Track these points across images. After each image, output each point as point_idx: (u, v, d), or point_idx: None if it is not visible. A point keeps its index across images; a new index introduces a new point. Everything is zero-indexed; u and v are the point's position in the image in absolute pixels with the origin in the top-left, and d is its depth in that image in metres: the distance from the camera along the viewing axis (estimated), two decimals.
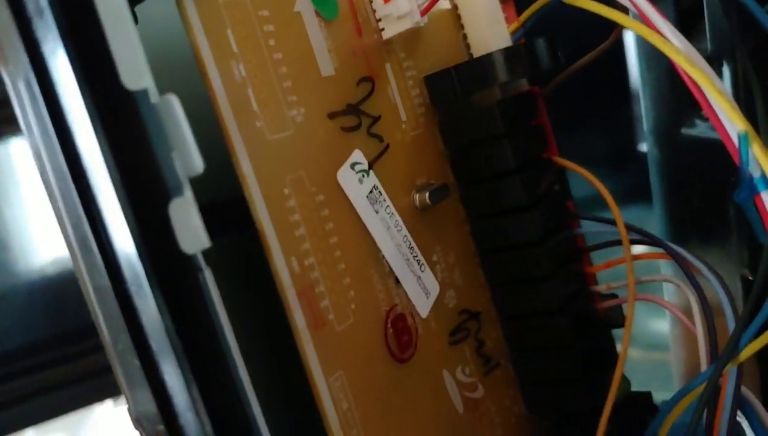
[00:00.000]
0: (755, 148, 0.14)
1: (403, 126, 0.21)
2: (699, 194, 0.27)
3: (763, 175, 0.15)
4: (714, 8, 0.22)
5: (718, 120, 0.15)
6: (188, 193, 0.13)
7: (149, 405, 0.13)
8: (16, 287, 0.37)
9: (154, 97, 0.13)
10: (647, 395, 0.24)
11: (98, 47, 0.13)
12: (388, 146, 0.20)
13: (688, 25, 0.26)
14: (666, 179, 0.29)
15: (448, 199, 0.22)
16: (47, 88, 0.13)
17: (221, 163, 0.16)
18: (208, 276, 0.13)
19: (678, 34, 0.16)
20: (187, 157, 0.13)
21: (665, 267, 0.28)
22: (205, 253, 0.13)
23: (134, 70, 0.13)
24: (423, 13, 0.21)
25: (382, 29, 0.21)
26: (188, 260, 0.13)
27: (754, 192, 0.15)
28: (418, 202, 0.21)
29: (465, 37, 0.25)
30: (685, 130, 0.26)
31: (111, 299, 0.13)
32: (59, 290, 0.37)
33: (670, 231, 0.32)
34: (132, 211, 0.13)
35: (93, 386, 0.37)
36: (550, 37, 0.22)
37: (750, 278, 0.23)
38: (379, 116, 0.20)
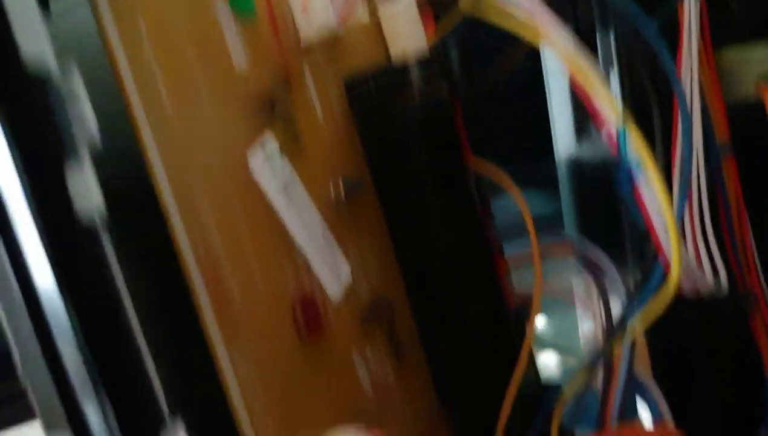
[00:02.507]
0: (630, 135, 0.16)
1: (321, 124, 0.22)
2: (601, 217, 0.28)
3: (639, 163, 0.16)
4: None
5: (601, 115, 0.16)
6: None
7: None
8: None
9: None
10: (558, 388, 0.25)
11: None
12: (299, 133, 0.21)
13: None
14: (573, 204, 0.30)
15: (365, 193, 0.23)
16: None
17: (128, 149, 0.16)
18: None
19: (569, 37, 0.17)
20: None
21: None
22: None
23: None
24: (340, 22, 0.22)
25: (301, 34, 0.22)
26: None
27: (633, 182, 0.16)
28: (333, 194, 0.22)
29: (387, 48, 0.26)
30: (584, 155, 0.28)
31: None
32: None
33: None
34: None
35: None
36: (464, 50, 0.24)
37: None
38: (294, 113, 0.21)
